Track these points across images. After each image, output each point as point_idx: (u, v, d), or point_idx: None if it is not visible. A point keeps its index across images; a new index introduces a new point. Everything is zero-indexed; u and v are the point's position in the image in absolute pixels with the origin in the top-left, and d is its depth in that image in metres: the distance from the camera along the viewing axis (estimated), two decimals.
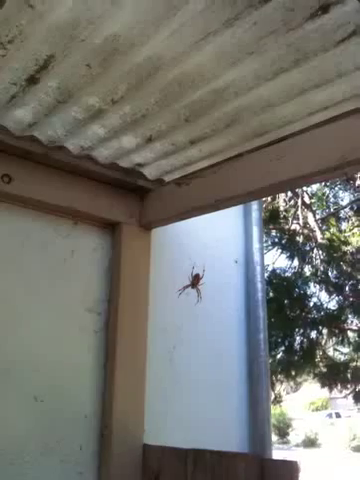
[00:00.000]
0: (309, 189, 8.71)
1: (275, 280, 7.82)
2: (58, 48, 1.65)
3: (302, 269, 8.18)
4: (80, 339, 2.45)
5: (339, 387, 8.97)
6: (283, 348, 7.87)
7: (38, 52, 1.68)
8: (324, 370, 8.22)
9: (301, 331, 7.85)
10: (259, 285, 3.20)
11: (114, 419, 2.35)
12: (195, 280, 2.57)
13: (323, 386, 9.05)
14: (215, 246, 3.07)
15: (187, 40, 1.57)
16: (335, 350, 8.54)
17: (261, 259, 3.28)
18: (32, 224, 2.40)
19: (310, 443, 28.09)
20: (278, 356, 8.19)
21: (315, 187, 8.78)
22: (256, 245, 3.27)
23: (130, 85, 1.81)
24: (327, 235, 7.93)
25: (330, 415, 34.01)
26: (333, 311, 7.91)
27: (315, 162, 1.89)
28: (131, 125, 2.07)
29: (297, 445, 28.35)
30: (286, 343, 7.80)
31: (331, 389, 9.23)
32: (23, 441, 2.20)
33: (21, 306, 2.31)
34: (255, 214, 3.32)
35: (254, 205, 3.32)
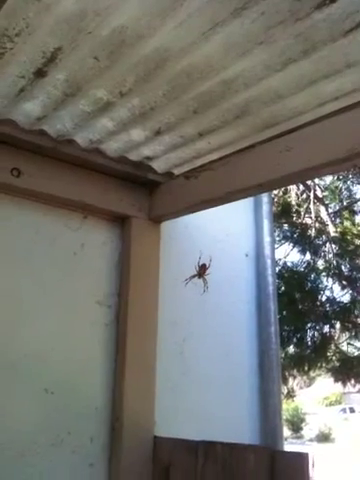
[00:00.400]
0: (322, 182, 8.66)
1: (287, 274, 7.79)
2: (65, 40, 1.64)
3: (314, 263, 8.14)
4: (90, 332, 2.46)
5: (353, 382, 8.93)
6: (295, 342, 7.85)
7: (45, 45, 1.68)
8: (337, 364, 8.18)
9: (314, 325, 7.82)
10: (270, 278, 3.19)
11: (125, 411, 2.36)
12: (202, 270, 2.57)
13: (336, 381, 9.02)
14: (225, 239, 3.06)
15: (195, 31, 1.56)
16: (349, 344, 8.49)
17: (272, 252, 3.26)
18: (42, 218, 2.41)
19: (324, 438, 28.02)
20: (290, 350, 8.17)
21: (328, 180, 8.72)
22: (267, 238, 3.25)
23: (138, 77, 1.81)
24: (340, 228, 7.88)
25: (344, 410, 33.87)
26: (345, 304, 7.86)
27: (325, 153, 1.88)
28: (140, 118, 2.06)
29: (311, 440, 28.29)
30: (298, 337, 7.77)
31: (344, 384, 9.19)
32: (34, 433, 2.22)
33: (31, 300, 2.32)
34: (266, 207, 3.30)
35: (264, 198, 3.30)
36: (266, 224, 3.28)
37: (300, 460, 2.04)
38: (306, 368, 8.47)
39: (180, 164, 2.45)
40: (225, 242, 3.06)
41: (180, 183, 2.48)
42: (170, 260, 2.69)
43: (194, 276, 2.58)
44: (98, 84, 1.87)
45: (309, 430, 29.68)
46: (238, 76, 1.76)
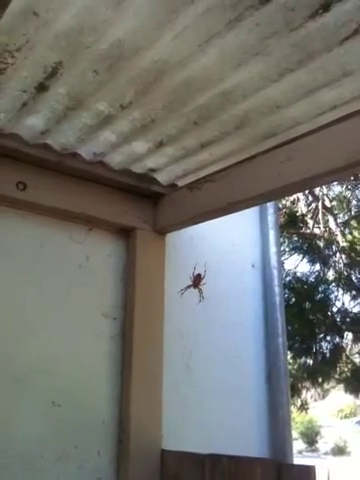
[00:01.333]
0: (330, 192, 8.65)
1: (297, 285, 7.75)
2: (65, 55, 1.67)
3: (324, 273, 8.10)
4: (96, 344, 2.46)
5: None
6: (307, 353, 7.79)
7: (46, 59, 1.70)
8: (349, 376, 8.10)
9: (325, 336, 7.76)
10: (276, 289, 3.18)
11: (132, 424, 2.36)
12: (197, 280, 2.57)
13: (349, 392, 8.92)
14: (231, 250, 3.07)
15: (191, 43, 1.57)
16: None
17: (278, 263, 3.26)
18: (47, 231, 2.43)
19: (339, 451, 27.64)
20: (302, 362, 8.10)
21: (337, 190, 8.71)
22: (273, 249, 3.25)
23: (137, 90, 1.83)
24: (349, 238, 7.84)
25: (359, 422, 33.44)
26: (356, 315, 7.80)
27: (324, 162, 1.88)
28: (141, 130, 2.08)
29: (326, 453, 27.94)
30: (310, 348, 7.72)
31: (357, 395, 9.08)
32: (41, 446, 2.21)
33: (37, 313, 2.33)
34: (271, 218, 3.30)
35: (270, 209, 3.31)
36: (272, 234, 3.28)
37: (307, 473, 2.03)
38: (319, 380, 8.39)
39: (183, 175, 2.47)
40: (231, 253, 3.06)
41: (184, 194, 2.49)
42: (176, 272, 2.69)
43: (189, 286, 2.57)
44: (99, 97, 1.89)
45: (324, 443, 29.32)
46: (236, 87, 1.78)
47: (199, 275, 2.58)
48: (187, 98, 1.85)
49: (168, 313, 2.59)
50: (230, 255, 3.05)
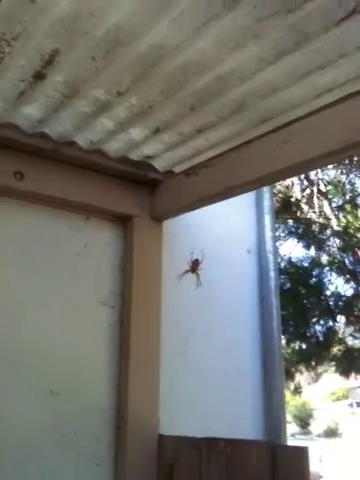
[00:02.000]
0: (325, 177, 8.65)
1: (292, 270, 7.79)
2: (62, 42, 1.66)
3: (319, 258, 8.14)
4: (94, 332, 2.47)
5: (356, 375, 8.92)
6: (301, 337, 7.86)
7: (43, 47, 1.69)
8: (341, 358, 8.18)
9: (319, 320, 7.83)
10: (272, 274, 3.18)
11: (129, 411, 2.38)
12: (194, 265, 2.59)
13: (341, 374, 9.01)
14: (227, 236, 3.07)
15: (188, 27, 1.56)
16: (353, 337, 8.49)
17: (274, 248, 3.26)
18: (45, 220, 2.43)
19: (331, 433, 28.02)
20: (296, 346, 8.17)
21: (332, 175, 8.71)
22: (268, 234, 3.25)
23: (134, 76, 1.81)
24: (343, 222, 7.88)
25: (351, 405, 33.86)
26: (349, 298, 7.87)
27: (321, 145, 1.87)
28: (138, 117, 2.07)
29: (319, 435, 28.30)
30: (304, 332, 7.78)
31: (348, 377, 9.18)
32: (40, 434, 2.23)
33: (36, 301, 2.34)
34: (267, 203, 3.30)
35: (265, 194, 3.30)
36: (268, 220, 3.28)
37: (300, 454, 2.07)
38: (313, 363, 8.47)
39: (180, 162, 2.46)
40: (227, 239, 3.06)
41: (181, 181, 2.48)
42: (173, 258, 2.70)
43: (187, 271, 2.59)
44: (96, 84, 1.88)
45: (317, 426, 29.69)
46: (233, 70, 1.77)
47: (197, 260, 2.60)
48: (184, 83, 1.84)
49: (165, 300, 2.60)
50: (226, 241, 3.05)
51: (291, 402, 25.90)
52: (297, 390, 9.67)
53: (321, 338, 7.89)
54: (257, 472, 2.18)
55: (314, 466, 10.91)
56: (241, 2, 1.45)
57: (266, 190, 3.33)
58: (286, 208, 7.89)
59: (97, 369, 2.44)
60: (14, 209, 2.35)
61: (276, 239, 7.77)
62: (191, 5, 1.48)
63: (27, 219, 2.38)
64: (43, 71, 1.79)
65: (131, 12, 1.52)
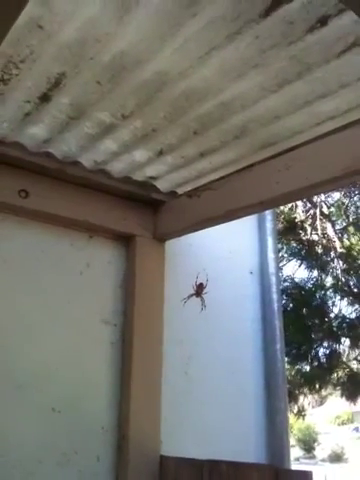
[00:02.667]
0: (329, 199, 8.68)
1: (295, 291, 7.77)
2: (68, 66, 1.71)
3: (322, 279, 8.12)
4: (96, 351, 2.48)
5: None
6: (304, 359, 7.80)
7: (49, 70, 1.74)
8: (346, 382, 8.11)
9: (322, 342, 7.78)
10: (275, 295, 3.20)
11: (131, 430, 2.37)
12: (199, 289, 2.61)
13: (346, 399, 8.92)
14: (230, 257, 3.09)
15: (191, 55, 1.61)
16: (358, 361, 8.42)
17: (276, 269, 3.28)
18: (48, 238, 2.46)
19: (336, 458, 27.62)
20: (299, 368, 8.11)
21: (336, 197, 8.74)
22: (271, 255, 3.27)
23: (139, 100, 1.86)
24: (346, 244, 7.88)
25: (357, 429, 33.42)
26: (352, 320, 7.83)
27: (322, 171, 1.92)
28: (142, 139, 2.11)
29: (323, 460, 27.89)
30: (308, 355, 7.73)
31: (354, 401, 9.09)
32: (41, 451, 2.23)
33: (38, 319, 2.36)
34: (269, 225, 3.33)
35: (268, 216, 3.34)
36: (270, 241, 3.31)
37: (304, 477, 2.05)
38: (317, 386, 8.40)
39: (183, 183, 2.50)
40: (229, 260, 3.08)
41: (183, 202, 2.52)
42: (175, 278, 2.72)
43: (192, 295, 2.62)
44: (101, 107, 1.92)
45: (321, 450, 29.28)
46: (235, 98, 1.82)
47: (201, 284, 2.62)
48: (187, 108, 1.89)
49: (167, 320, 2.61)
50: (228, 262, 3.07)
51: (295, 425, 25.59)
52: (301, 413, 9.57)
53: (324, 360, 7.83)
54: None
55: None
56: (244, 33, 1.50)
57: (268, 212, 3.37)
58: (289, 230, 7.91)
59: (99, 388, 2.45)
60: (18, 227, 2.38)
61: (279, 260, 7.79)
62: (195, 34, 1.53)
63: (31, 237, 2.41)
64: (49, 93, 1.84)
65: (136, 39, 1.57)
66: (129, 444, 2.36)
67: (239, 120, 1.94)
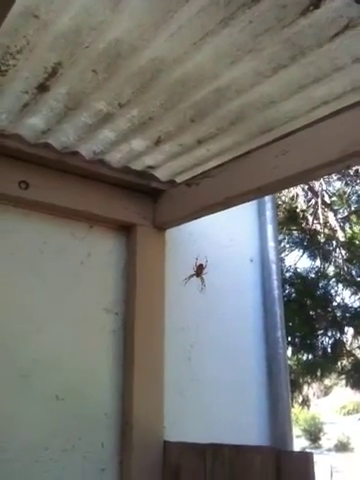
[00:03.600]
0: (330, 188, 8.67)
1: (297, 280, 7.78)
2: (65, 55, 1.72)
3: (324, 269, 8.13)
4: (99, 339, 2.51)
5: None
6: (307, 349, 7.82)
7: (46, 60, 1.75)
8: (351, 370, 8.12)
9: (326, 331, 7.79)
10: (275, 283, 3.22)
11: (134, 417, 2.41)
12: (199, 270, 2.66)
13: (350, 386, 8.95)
14: (230, 245, 3.11)
15: (186, 41, 1.62)
16: None
17: (276, 257, 3.30)
18: (49, 228, 2.49)
19: (342, 447, 27.66)
20: (303, 357, 8.13)
21: (336, 185, 8.73)
22: (271, 243, 3.29)
23: (135, 88, 1.88)
24: (349, 234, 7.88)
25: None
26: (356, 309, 7.84)
27: (319, 156, 1.93)
28: (139, 128, 2.13)
29: (329, 450, 27.95)
30: (310, 344, 7.75)
31: (359, 389, 9.12)
32: (46, 439, 2.27)
33: (41, 308, 2.39)
34: (269, 213, 3.35)
35: (268, 204, 3.35)
36: (270, 229, 3.33)
37: (305, 459, 2.08)
38: (319, 374, 8.42)
39: (182, 172, 2.52)
40: (230, 248, 3.10)
41: (182, 190, 2.54)
42: (175, 267, 2.74)
43: (192, 276, 2.67)
44: (98, 96, 1.94)
45: (327, 440, 29.34)
46: (231, 83, 1.83)
47: (201, 265, 2.67)
48: (183, 95, 1.90)
49: (169, 307, 2.64)
50: (229, 250, 3.09)
51: (300, 416, 25.64)
52: (305, 402, 9.60)
53: (328, 350, 7.85)
54: (261, 478, 2.19)
55: None
56: (237, 18, 1.51)
57: (268, 200, 3.38)
58: (291, 219, 7.91)
59: (102, 375, 2.48)
60: (19, 218, 2.40)
61: (281, 250, 7.80)
62: (189, 21, 1.54)
63: (32, 228, 2.44)
64: (46, 83, 1.86)
65: (131, 27, 1.58)
66: (133, 430, 2.39)
67: (235, 106, 1.96)
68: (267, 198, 3.33)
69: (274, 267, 3.25)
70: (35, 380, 2.29)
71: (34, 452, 2.22)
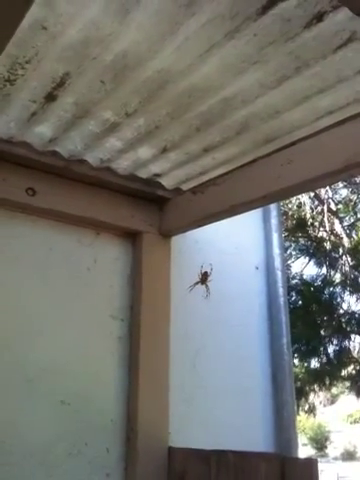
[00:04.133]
0: (336, 196, 8.70)
1: (304, 287, 7.80)
2: (72, 66, 1.76)
3: (330, 276, 8.14)
4: (104, 345, 2.53)
5: None
6: (314, 356, 7.82)
7: (54, 70, 1.79)
8: (356, 377, 8.12)
9: (332, 339, 7.79)
10: (280, 290, 3.23)
11: (139, 423, 2.42)
12: (204, 277, 2.70)
13: (357, 395, 8.93)
14: (235, 253, 3.13)
15: (192, 53, 1.65)
16: None
17: (282, 265, 3.31)
18: (56, 235, 2.51)
19: (349, 456, 27.51)
20: (309, 365, 8.12)
21: (344, 193, 8.76)
22: (276, 251, 3.31)
23: (142, 98, 1.91)
24: (354, 241, 7.90)
25: None
26: None
27: (322, 165, 1.95)
28: (146, 137, 2.16)
29: (336, 458, 27.78)
30: (317, 351, 7.75)
31: None
32: (52, 443, 2.28)
33: (47, 314, 2.41)
34: (274, 221, 3.36)
35: (273, 212, 3.37)
36: (275, 237, 3.34)
37: (310, 466, 2.10)
38: (327, 383, 8.41)
39: (187, 180, 2.54)
40: (235, 255, 3.12)
41: (188, 198, 2.57)
42: (181, 274, 2.76)
43: (197, 283, 2.70)
44: (105, 106, 1.97)
45: (333, 448, 29.18)
46: (236, 94, 1.86)
47: (206, 272, 2.70)
48: (189, 105, 1.93)
49: (174, 314, 2.65)
50: (234, 257, 3.11)
51: (306, 424, 25.52)
52: (311, 410, 9.58)
53: (334, 357, 7.85)
54: None
55: None
56: (242, 31, 1.54)
57: (273, 208, 3.40)
58: (298, 227, 7.93)
59: (107, 381, 2.50)
60: (26, 224, 2.43)
61: (288, 257, 7.82)
62: (195, 33, 1.57)
63: (39, 234, 2.46)
64: (54, 93, 1.89)
65: (138, 39, 1.62)
66: (138, 436, 2.40)
67: (240, 116, 1.98)
68: (272, 206, 3.35)
69: (279, 274, 3.26)
70: (41, 386, 2.31)
71: (39, 456, 2.23)
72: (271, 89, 1.81)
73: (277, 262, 3.29)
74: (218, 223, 2.59)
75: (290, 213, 8.02)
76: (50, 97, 1.92)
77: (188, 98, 1.89)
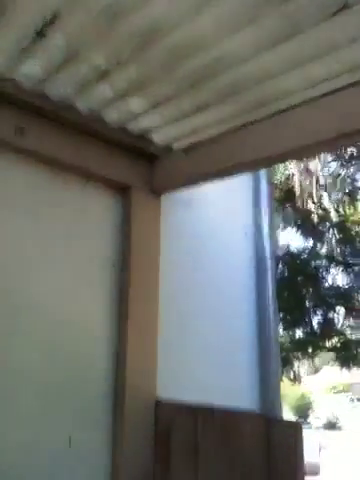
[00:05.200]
0: (326, 169, 8.73)
1: (290, 259, 7.88)
2: (64, 4, 1.71)
3: (316, 248, 8.23)
4: (93, 294, 2.51)
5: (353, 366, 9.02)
6: (299, 326, 7.96)
7: (46, 6, 1.74)
8: (340, 348, 8.28)
9: (315, 310, 7.92)
10: (268, 254, 3.26)
11: (128, 375, 2.44)
12: None
13: (341, 366, 9.10)
14: (225, 217, 3.14)
15: (187, 3, 1.64)
16: (351, 328, 8.58)
17: (270, 232, 3.34)
18: (45, 179, 2.45)
19: (331, 425, 28.04)
20: (294, 334, 8.27)
21: (332, 166, 8.79)
22: (265, 219, 3.33)
23: (134, 47, 1.88)
24: (342, 215, 7.97)
25: (352, 399, 33.77)
26: (346, 289, 7.96)
27: (314, 134, 1.97)
28: (137, 88, 2.13)
29: (317, 428, 28.31)
30: (301, 321, 7.88)
31: (348, 369, 9.27)
32: (39, 387, 2.27)
33: (36, 257, 2.37)
34: (264, 188, 3.39)
35: (263, 180, 3.39)
36: (265, 205, 3.36)
37: (294, 429, 2.16)
38: (310, 350, 8.57)
39: (178, 138, 2.52)
40: (224, 219, 3.13)
41: (178, 157, 2.56)
42: (170, 234, 2.76)
43: None
44: (96, 50, 1.93)
45: (316, 418, 29.71)
46: (230, 52, 1.85)
47: None
48: (182, 60, 1.92)
49: (162, 272, 2.66)
50: (223, 221, 3.12)
51: (290, 394, 25.90)
52: (296, 378, 9.77)
53: (318, 328, 7.99)
54: (251, 441, 2.27)
55: (313, 457, 10.94)
56: None
57: (263, 177, 3.41)
58: (286, 198, 7.98)
59: (96, 331, 2.49)
60: (14, 164, 2.36)
61: (275, 228, 7.87)
62: None
63: (27, 176, 2.39)
64: (45, 30, 1.84)
65: None
66: (126, 389, 2.42)
67: (234, 76, 1.98)
68: (262, 173, 3.37)
69: (267, 241, 3.30)
70: (28, 331, 2.27)
71: (25, 399, 2.21)
72: (265, 51, 1.80)
73: (265, 227, 3.30)
74: (209, 186, 2.60)
75: (279, 185, 8.05)
76: (41, 34, 1.86)
77: (181, 51, 1.88)
